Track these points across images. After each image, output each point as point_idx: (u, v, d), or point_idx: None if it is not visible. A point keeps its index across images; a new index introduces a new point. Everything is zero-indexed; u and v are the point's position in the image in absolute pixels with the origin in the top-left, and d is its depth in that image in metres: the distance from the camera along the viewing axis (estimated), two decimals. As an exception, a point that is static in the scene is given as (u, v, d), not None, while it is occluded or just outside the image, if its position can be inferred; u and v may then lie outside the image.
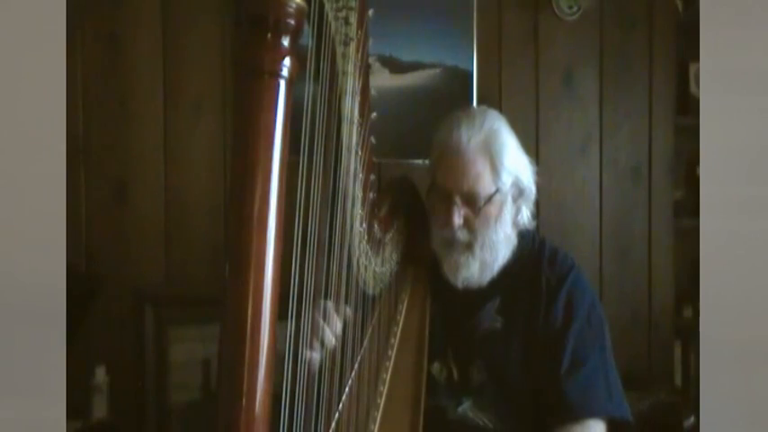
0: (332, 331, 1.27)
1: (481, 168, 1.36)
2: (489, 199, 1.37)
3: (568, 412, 1.32)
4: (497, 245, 1.40)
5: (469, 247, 1.39)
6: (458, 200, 1.37)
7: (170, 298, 2.23)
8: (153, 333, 2.21)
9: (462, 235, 1.38)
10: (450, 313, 1.45)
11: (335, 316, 1.27)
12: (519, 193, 1.42)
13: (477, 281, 1.41)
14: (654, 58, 2.50)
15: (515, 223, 1.44)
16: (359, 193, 1.24)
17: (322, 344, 1.26)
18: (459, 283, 1.41)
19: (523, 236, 1.47)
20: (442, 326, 1.43)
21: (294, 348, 0.95)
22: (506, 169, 1.38)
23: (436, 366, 1.42)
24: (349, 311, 1.27)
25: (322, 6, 1.03)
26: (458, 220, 1.37)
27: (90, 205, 2.26)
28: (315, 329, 1.24)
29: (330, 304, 1.25)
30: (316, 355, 1.25)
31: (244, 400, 0.78)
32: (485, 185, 1.37)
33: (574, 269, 1.44)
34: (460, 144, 1.36)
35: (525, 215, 1.44)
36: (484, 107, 1.48)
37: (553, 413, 1.34)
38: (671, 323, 2.53)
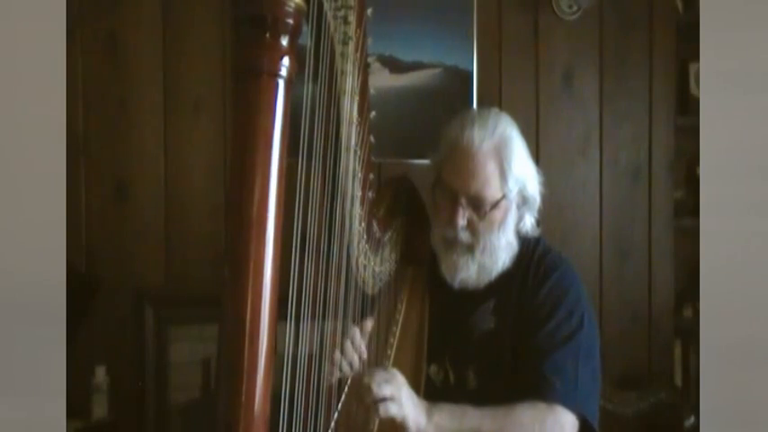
0: (358, 355, 1.31)
1: (491, 173, 1.35)
2: (495, 204, 1.36)
3: (536, 390, 1.29)
4: (498, 251, 1.39)
5: (470, 249, 1.38)
6: (464, 201, 1.36)
7: (170, 298, 2.23)
8: (153, 333, 2.21)
9: (465, 236, 1.38)
10: (447, 315, 1.44)
11: (362, 343, 1.31)
12: (523, 201, 1.41)
13: (473, 283, 1.41)
14: (654, 58, 2.50)
15: (517, 230, 1.43)
16: (358, 193, 1.24)
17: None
18: (456, 284, 1.41)
19: (523, 241, 1.46)
20: (439, 328, 1.43)
21: (294, 349, 0.95)
22: (514, 176, 1.37)
23: (433, 369, 1.42)
24: (370, 325, 1.32)
25: (321, 5, 1.03)
26: (462, 221, 1.36)
27: (90, 205, 2.26)
28: (346, 354, 1.29)
29: (357, 331, 1.29)
30: (337, 373, 1.29)
31: (243, 400, 0.78)
32: (492, 191, 1.36)
33: (564, 265, 1.43)
34: (472, 145, 1.35)
35: (528, 223, 1.43)
36: (497, 110, 1.46)
37: (523, 389, 1.31)
38: (671, 323, 2.52)
